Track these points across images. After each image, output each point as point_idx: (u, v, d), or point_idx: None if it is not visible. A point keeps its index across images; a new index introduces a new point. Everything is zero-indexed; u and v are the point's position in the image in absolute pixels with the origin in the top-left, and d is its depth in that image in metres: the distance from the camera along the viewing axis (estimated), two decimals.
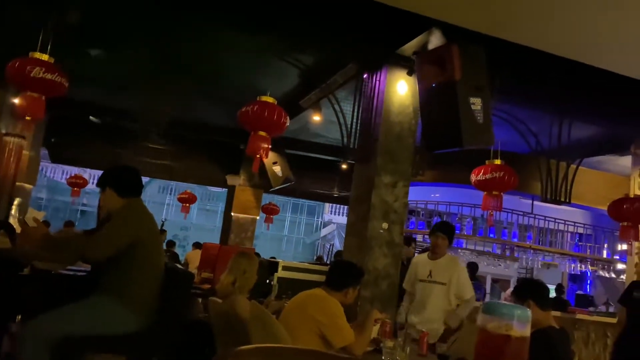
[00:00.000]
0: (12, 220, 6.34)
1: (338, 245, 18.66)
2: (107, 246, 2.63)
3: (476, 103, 4.40)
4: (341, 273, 3.15)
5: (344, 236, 6.50)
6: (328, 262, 11.46)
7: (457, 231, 11.99)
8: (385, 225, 4.97)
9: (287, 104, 6.70)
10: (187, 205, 12.68)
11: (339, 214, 21.28)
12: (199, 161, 11.47)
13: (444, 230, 4.20)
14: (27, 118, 4.70)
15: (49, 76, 4.56)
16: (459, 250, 11.69)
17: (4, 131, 7.39)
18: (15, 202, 7.46)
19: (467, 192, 9.97)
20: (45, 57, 4.74)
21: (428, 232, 4.61)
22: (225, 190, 12.44)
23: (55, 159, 11.69)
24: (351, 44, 5.56)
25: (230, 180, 11.46)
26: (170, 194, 21.59)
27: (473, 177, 6.08)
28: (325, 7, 4.84)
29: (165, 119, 9.31)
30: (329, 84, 6.61)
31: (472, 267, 8.17)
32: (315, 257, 15.81)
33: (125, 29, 6.05)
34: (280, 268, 5.04)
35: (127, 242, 2.67)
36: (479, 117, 4.41)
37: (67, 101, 6.51)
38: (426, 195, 12.10)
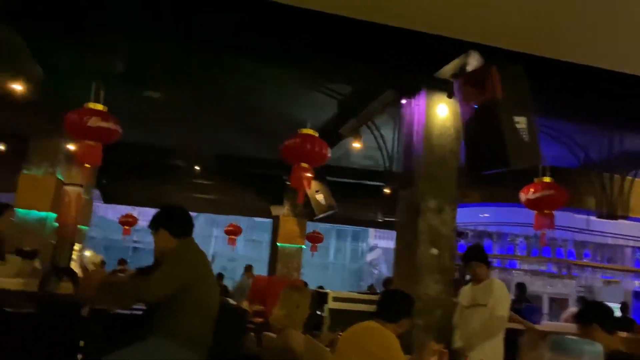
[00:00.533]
0: (73, 265, 6.60)
1: (385, 270, 18.42)
2: (163, 288, 2.68)
3: (521, 122, 4.34)
4: (393, 303, 3.10)
5: (390, 260, 6.41)
6: (379, 290, 11.31)
7: (509, 252, 11.64)
8: (434, 251, 4.89)
9: (327, 133, 6.77)
10: (234, 237, 12.86)
11: (384, 238, 21.08)
12: (243, 193, 11.66)
13: (475, 257, 4.19)
14: (86, 166, 4.94)
15: (104, 124, 4.81)
16: (513, 272, 11.31)
17: (60, 177, 7.78)
18: (76, 248, 7.76)
19: (517, 211, 9.69)
20: (99, 106, 4.99)
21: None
22: (269, 220, 12.57)
23: (108, 199, 12.14)
24: (388, 70, 5.59)
25: (275, 210, 11.58)
26: (216, 226, 21.98)
27: (523, 196, 5.93)
28: (359, 37, 4.91)
29: (208, 155, 9.56)
30: (368, 111, 6.65)
31: (521, 288, 7.87)
32: (364, 285, 15.63)
33: (169, 71, 6.30)
34: (330, 299, 5.01)
35: (182, 282, 2.71)
36: (524, 136, 4.34)
37: (116, 143, 6.81)
38: (474, 217, 11.81)
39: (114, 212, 18.76)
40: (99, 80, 5.18)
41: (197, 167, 10.08)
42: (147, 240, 21.89)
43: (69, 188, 7.19)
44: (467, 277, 5.99)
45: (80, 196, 7.19)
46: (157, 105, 7.57)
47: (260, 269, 13.80)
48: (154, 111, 7.82)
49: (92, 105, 5.02)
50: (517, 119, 4.30)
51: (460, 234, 12.10)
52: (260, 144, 9.21)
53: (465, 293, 4.30)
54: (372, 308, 3.44)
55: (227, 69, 6.07)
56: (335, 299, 5.06)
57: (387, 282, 8.21)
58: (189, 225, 2.93)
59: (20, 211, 7.44)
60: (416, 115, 5.39)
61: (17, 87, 6.46)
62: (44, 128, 7.95)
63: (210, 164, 9.87)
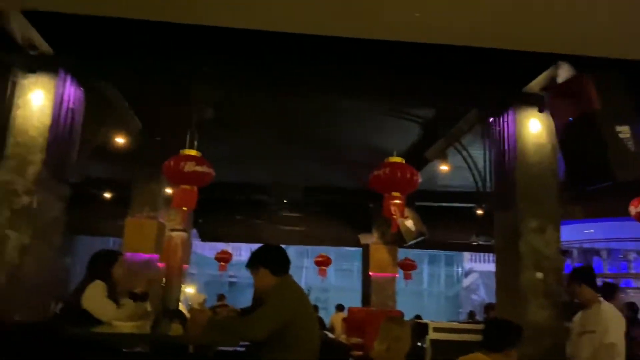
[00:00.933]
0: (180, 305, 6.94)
1: (484, 295, 17.59)
2: (265, 326, 2.73)
3: (624, 131, 4.03)
4: (499, 333, 2.96)
5: (489, 284, 6.11)
6: (480, 317, 10.81)
7: (623, 269, 10.68)
8: (539, 275, 4.60)
9: (412, 157, 6.68)
10: (324, 268, 12.93)
11: (481, 261, 20.19)
12: (331, 224, 11.75)
13: (580, 279, 3.90)
14: (184, 209, 5.24)
15: (198, 169, 5.10)
16: (628, 291, 10.36)
17: (161, 221, 8.28)
18: (183, 289, 8.15)
19: (627, 225, 8.93)
20: (194, 152, 5.30)
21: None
22: (359, 249, 12.53)
23: (204, 237, 12.73)
24: (471, 90, 5.46)
25: (364, 239, 11.53)
26: (306, 257, 22.24)
27: (632, 210, 5.48)
28: (439, 60, 4.85)
29: (296, 188, 9.79)
30: (453, 133, 6.51)
31: (631, 308, 7.10)
32: (463, 312, 15.01)
33: (256, 113, 6.58)
34: (431, 330, 4.85)
35: (284, 320, 2.75)
36: (630, 145, 4.02)
37: (210, 184, 7.17)
38: (579, 234, 11.03)
39: (210, 249, 19.59)
40: (192, 128, 5.51)
41: (285, 201, 10.33)
42: (243, 275, 22.59)
43: (175, 233, 7.63)
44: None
45: (185, 241, 7.59)
46: (246, 146, 7.90)
47: (353, 299, 13.72)
48: (243, 151, 8.17)
49: (187, 151, 5.34)
50: (619, 128, 4.00)
51: (564, 253, 11.32)
52: (345, 174, 9.29)
53: (577, 319, 4.03)
54: (475, 338, 3.29)
55: (310, 105, 6.23)
56: (436, 330, 4.89)
57: (488, 308, 7.82)
58: (286, 263, 2.99)
59: (127, 254, 7.98)
60: (506, 132, 5.19)
61: (120, 139, 7.04)
62: (145, 175, 8.54)
63: (298, 197, 10.09)
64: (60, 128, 4.86)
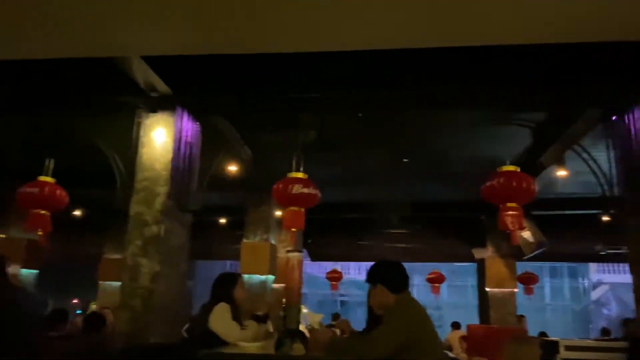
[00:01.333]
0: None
1: (617, 309, 16.00)
2: (385, 346, 2.67)
3: None
4: None
5: (622, 297, 5.53)
6: (616, 334, 9.82)
7: None
8: None
9: (526, 165, 6.32)
10: (437, 285, 12.55)
11: (610, 272, 18.43)
12: (441, 239, 11.43)
13: None
14: (293, 230, 5.38)
15: (305, 190, 5.22)
16: None
17: (273, 243, 8.56)
18: (302, 309, 8.30)
19: None
20: (300, 174, 5.45)
21: None
22: (471, 264, 12.02)
23: (314, 257, 12.96)
24: (588, 89, 5.07)
25: (477, 253, 11.04)
26: (417, 274, 21.75)
27: None
28: (549, 61, 4.57)
29: (403, 204, 9.66)
30: (570, 135, 6.06)
31: None
32: (594, 328, 13.75)
33: (358, 132, 6.63)
34: (562, 348, 4.48)
35: (404, 339, 2.68)
36: None
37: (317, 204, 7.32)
38: None
39: (319, 268, 19.89)
40: (298, 151, 5.67)
41: (393, 218, 10.23)
42: (353, 293, 22.63)
43: (291, 254, 7.89)
44: None
45: (301, 262, 7.81)
46: (351, 165, 7.97)
47: (468, 316, 13.13)
48: (349, 171, 8.24)
49: (294, 174, 5.50)
50: None
51: None
52: (453, 188, 9.01)
53: None
54: (614, 357, 2.98)
55: (415, 121, 6.16)
56: (569, 348, 4.50)
57: (626, 324, 7.08)
58: (405, 279, 2.89)
59: (244, 276, 8.34)
60: (632, 131, 4.73)
61: (232, 167, 7.44)
62: (256, 199, 8.92)
63: (405, 214, 9.95)
64: (180, 161, 5.24)
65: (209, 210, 10.05)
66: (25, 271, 8.93)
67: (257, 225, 9.07)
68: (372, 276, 2.93)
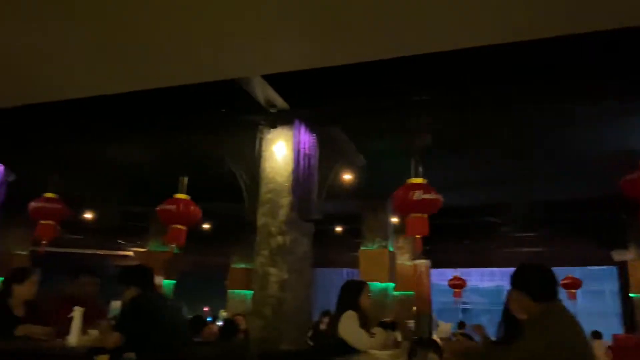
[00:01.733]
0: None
1: None
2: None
3: None
4: None
5: None
6: None
7: None
8: None
9: None
10: (573, 290, 11.61)
11: None
12: (573, 241, 10.58)
13: None
14: (417, 236, 5.29)
15: (427, 196, 5.12)
16: None
17: (391, 250, 8.50)
18: (434, 317, 8.09)
19: None
20: (420, 180, 5.35)
21: None
22: (609, 267, 10.96)
23: (434, 264, 12.63)
24: None
25: (618, 255, 10.05)
26: None
27: None
28: None
29: (527, 205, 9.09)
30: None
31: None
32: None
33: (476, 133, 6.36)
34: None
35: (547, 354, 2.46)
36: None
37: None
38: None
39: (439, 275, 19.34)
40: (416, 156, 5.58)
41: (518, 220, 9.66)
42: (476, 301, 21.71)
43: (418, 262, 7.79)
44: None
45: (428, 268, 7.69)
46: (471, 167, 7.68)
47: (608, 324, 11.97)
48: (468, 174, 7.95)
49: (414, 179, 5.41)
50: None
51: None
52: (586, 185, 8.29)
53: None
54: None
55: (539, 117, 5.78)
56: None
57: None
58: (550, 286, 2.60)
59: None
60: None
61: (347, 176, 7.52)
62: (373, 207, 8.93)
63: (531, 215, 9.34)
64: (300, 173, 5.41)
65: (324, 219, 10.27)
66: (165, 282, 9.76)
67: (374, 232, 9.07)
68: (513, 279, 2.71)
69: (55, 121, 5.74)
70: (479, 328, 3.22)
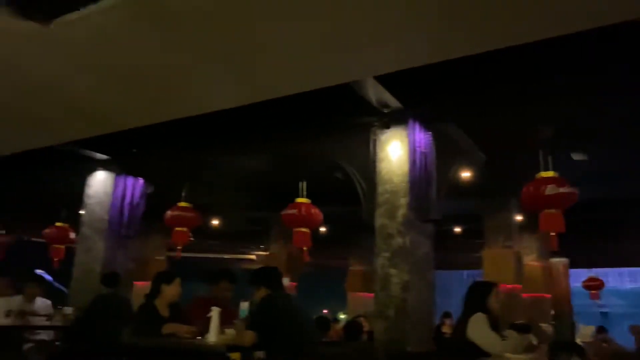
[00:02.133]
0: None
1: None
2: None
3: None
4: None
5: None
6: None
7: None
8: None
9: None
10: None
11: None
12: None
13: None
14: (552, 233, 4.94)
15: (562, 190, 4.76)
16: None
17: (517, 250, 8.01)
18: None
19: None
20: (551, 173, 5.00)
21: None
22: None
23: (571, 265, 11.69)
24: None
25: None
26: None
27: None
28: None
29: None
30: None
31: None
32: None
33: (610, 119, 5.79)
34: None
35: None
36: None
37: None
38: None
39: (572, 276, 17.90)
40: (545, 149, 5.23)
41: None
42: (615, 304, 19.75)
43: (554, 260, 7.27)
44: None
45: (567, 268, 7.17)
46: (607, 157, 7.01)
47: None
48: (605, 164, 7.25)
49: (544, 173, 5.07)
50: None
51: None
52: None
53: None
54: None
55: None
56: None
57: None
58: None
59: None
60: None
61: (466, 174, 7.24)
62: (495, 205, 8.51)
63: None
64: (417, 172, 5.31)
65: (443, 219, 9.97)
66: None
67: (497, 232, 8.64)
68: None
69: (185, 134, 6.21)
70: (605, 339, 2.94)
